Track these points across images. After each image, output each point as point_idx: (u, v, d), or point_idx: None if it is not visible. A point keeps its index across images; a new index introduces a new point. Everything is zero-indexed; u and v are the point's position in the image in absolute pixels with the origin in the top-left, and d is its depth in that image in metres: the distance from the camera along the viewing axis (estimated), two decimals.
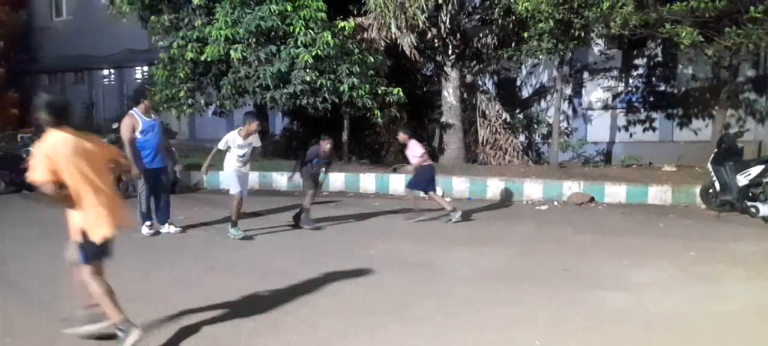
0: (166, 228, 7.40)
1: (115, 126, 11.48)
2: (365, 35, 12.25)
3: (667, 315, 4.28)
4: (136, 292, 4.91)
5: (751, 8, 8.83)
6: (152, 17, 12.51)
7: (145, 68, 19.62)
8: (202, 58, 11.27)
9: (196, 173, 12.41)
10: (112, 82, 21.74)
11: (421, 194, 8.41)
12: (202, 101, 12.62)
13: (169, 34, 12.31)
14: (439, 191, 9.35)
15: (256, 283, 5.20)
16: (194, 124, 18.60)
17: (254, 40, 11.02)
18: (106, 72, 21.74)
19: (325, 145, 7.75)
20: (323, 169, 8.09)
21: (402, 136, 8.48)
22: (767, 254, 6.10)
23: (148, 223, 7.28)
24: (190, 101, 12.38)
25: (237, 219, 7.23)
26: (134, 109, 7.17)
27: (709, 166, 8.48)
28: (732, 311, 4.38)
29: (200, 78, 12.30)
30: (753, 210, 7.81)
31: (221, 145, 7.21)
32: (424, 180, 8.28)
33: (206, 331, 3.99)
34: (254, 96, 11.73)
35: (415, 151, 8.31)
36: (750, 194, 7.89)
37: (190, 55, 11.46)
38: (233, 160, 7.19)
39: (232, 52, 10.92)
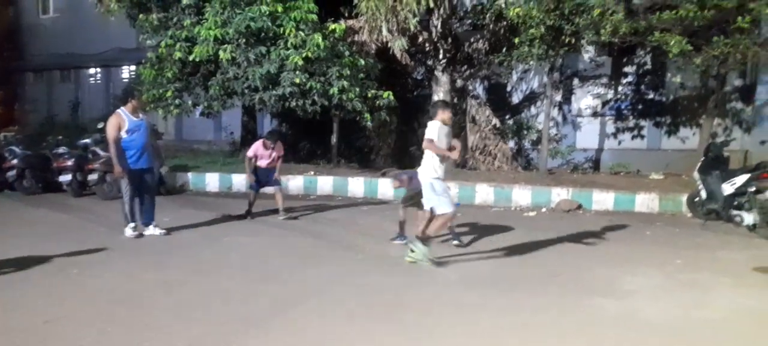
0: (151, 230, 7.28)
1: (100, 126, 11.35)
2: (356, 38, 12.21)
3: (657, 322, 4.27)
4: (118, 295, 4.83)
5: (739, 18, 8.92)
6: (141, 16, 12.37)
7: (133, 67, 19.43)
8: (191, 58, 11.17)
9: (182, 174, 12.30)
10: (99, 81, 21.50)
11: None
12: (190, 102, 12.50)
13: (157, 33, 12.19)
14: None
15: (243, 285, 5.14)
16: (181, 124, 18.43)
17: (244, 40, 10.95)
18: (92, 71, 21.50)
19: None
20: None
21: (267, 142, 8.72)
22: (752, 261, 6.12)
23: (131, 225, 7.14)
24: (177, 102, 12.24)
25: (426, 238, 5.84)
26: (122, 108, 7.09)
27: (696, 174, 8.52)
28: (720, 318, 4.39)
29: (188, 78, 12.18)
30: (738, 219, 7.85)
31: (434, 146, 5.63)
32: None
33: (191, 334, 3.91)
34: (243, 97, 11.65)
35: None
36: (735, 203, 7.91)
37: (178, 54, 11.35)
38: (433, 162, 5.74)
39: (221, 53, 10.84)
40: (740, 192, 7.85)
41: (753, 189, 7.69)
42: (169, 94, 12.01)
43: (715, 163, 8.45)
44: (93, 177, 10.69)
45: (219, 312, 4.39)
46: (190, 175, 12.31)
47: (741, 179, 7.91)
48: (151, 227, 7.30)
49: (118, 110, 7.07)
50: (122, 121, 6.92)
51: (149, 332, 3.91)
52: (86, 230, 7.84)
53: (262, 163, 8.69)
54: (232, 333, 3.92)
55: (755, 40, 9.54)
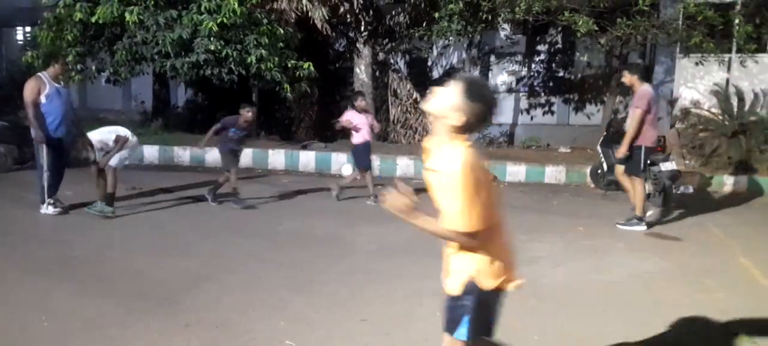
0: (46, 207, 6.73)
1: None
2: (275, 5, 11.84)
3: (558, 285, 4.56)
4: (12, 274, 4.47)
5: (640, 1, 9.53)
6: None
7: (28, 29, 17.77)
8: (93, 19, 10.37)
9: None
10: None
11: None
12: (93, 67, 11.64)
13: None
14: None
15: (154, 261, 4.92)
16: (85, 92, 17.15)
17: (152, 2, 10.30)
18: None
19: (247, 114, 7.23)
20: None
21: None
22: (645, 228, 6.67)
23: (50, 200, 6.57)
24: (79, 67, 11.36)
25: None
26: (44, 72, 6.59)
27: (598, 148, 9.09)
28: (614, 280, 4.75)
29: (91, 41, 11.34)
30: None
31: None
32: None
33: (95, 311, 3.70)
34: (153, 64, 11.01)
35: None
36: None
37: (79, 15, 10.49)
38: None
39: (127, 15, 10.14)
40: None
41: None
42: (69, 58, 11.06)
43: (616, 137, 9.05)
44: None
45: (125, 289, 4.18)
46: None
47: None
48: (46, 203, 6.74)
49: (39, 73, 6.58)
50: (42, 85, 6.40)
51: (40, 314, 3.65)
52: None
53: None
54: (137, 311, 3.74)
55: (653, 23, 10.25)
